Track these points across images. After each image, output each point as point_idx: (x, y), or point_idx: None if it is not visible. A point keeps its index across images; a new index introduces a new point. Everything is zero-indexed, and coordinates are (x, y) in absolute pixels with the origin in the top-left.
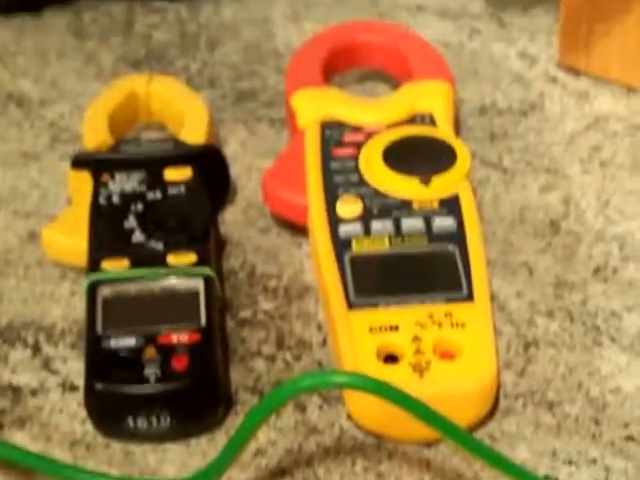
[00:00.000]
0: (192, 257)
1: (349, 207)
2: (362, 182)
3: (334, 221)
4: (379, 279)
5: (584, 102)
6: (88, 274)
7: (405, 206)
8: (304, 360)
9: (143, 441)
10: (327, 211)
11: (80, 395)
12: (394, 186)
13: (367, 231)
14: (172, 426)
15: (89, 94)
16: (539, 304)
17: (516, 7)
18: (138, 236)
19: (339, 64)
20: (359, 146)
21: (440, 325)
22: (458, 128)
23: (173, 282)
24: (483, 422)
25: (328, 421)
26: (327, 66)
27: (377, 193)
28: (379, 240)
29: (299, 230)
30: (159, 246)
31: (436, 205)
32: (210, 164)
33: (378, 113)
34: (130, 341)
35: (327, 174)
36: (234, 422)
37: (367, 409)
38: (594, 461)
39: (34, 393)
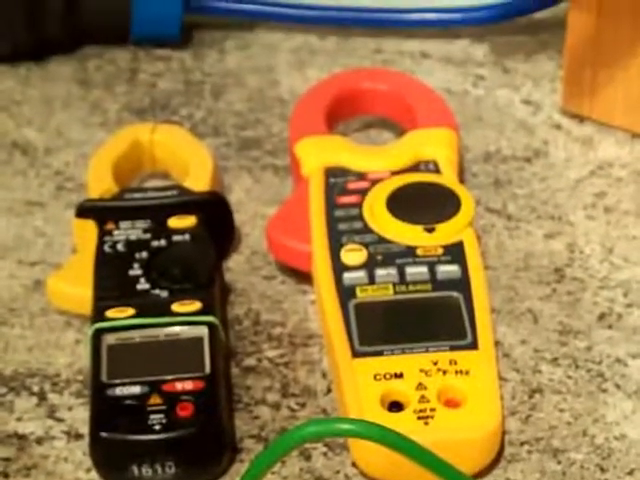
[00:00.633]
0: (197, 305)
1: (353, 255)
2: (366, 230)
3: (338, 269)
4: (383, 327)
5: (588, 148)
6: (93, 322)
7: (409, 253)
8: (309, 408)
9: None
10: (331, 259)
11: (85, 443)
12: (398, 234)
13: (371, 279)
14: (177, 474)
15: (94, 143)
16: (544, 351)
17: (520, 53)
18: (143, 284)
19: (343, 112)
20: (363, 194)
21: (445, 373)
22: (462, 175)
23: (177, 330)
24: (488, 469)
25: (333, 469)
26: (331, 114)
27: (381, 240)
28: (383, 288)
29: (303, 277)
30: (164, 294)
31: (440, 252)
32: (215, 212)
33: (382, 161)
34: (135, 389)
35: (331, 222)
36: (239, 470)
37: (372, 456)
38: None
39: (39, 441)
